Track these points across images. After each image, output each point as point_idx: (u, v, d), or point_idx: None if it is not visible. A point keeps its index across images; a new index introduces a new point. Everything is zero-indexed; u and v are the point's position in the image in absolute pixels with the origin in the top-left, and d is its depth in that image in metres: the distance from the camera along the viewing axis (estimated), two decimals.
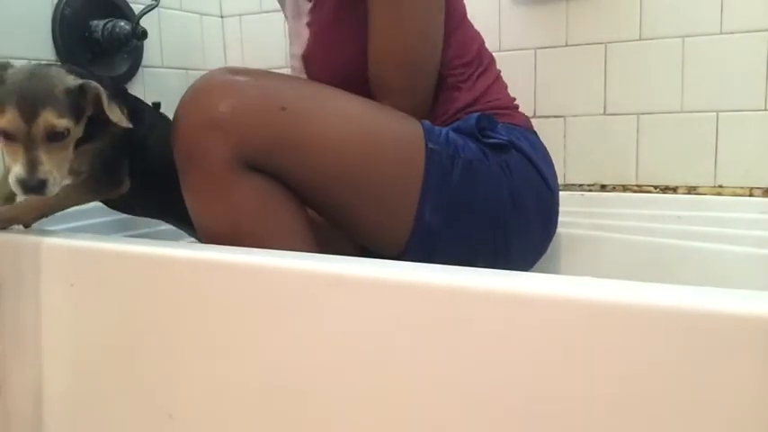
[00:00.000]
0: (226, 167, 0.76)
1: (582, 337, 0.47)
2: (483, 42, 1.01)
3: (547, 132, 1.27)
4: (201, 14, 1.57)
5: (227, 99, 0.77)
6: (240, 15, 1.60)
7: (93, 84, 0.79)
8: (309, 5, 0.95)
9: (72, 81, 0.79)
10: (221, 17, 1.62)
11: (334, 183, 0.81)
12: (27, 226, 0.85)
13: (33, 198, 0.83)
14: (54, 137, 0.76)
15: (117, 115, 0.80)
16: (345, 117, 0.82)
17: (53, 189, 0.76)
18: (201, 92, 0.78)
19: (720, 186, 1.16)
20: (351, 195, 0.82)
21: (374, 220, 0.84)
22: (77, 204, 0.89)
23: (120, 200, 0.95)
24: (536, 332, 0.49)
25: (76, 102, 0.78)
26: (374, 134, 0.83)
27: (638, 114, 1.21)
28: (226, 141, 0.75)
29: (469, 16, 1.00)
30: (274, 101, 0.79)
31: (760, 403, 0.43)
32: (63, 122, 0.76)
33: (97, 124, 0.83)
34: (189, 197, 0.80)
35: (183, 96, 0.80)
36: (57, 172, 0.76)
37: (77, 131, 0.80)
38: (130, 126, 0.81)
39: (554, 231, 1.00)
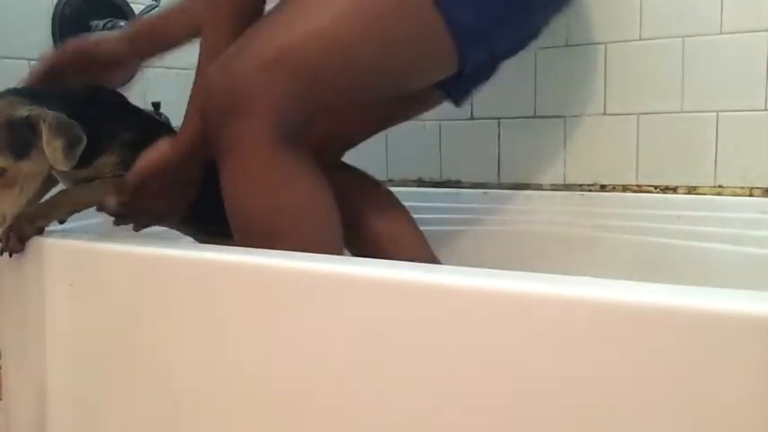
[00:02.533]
0: (264, 147, 0.77)
1: (582, 337, 0.47)
2: None
3: (547, 132, 1.27)
4: None
5: (235, 86, 0.77)
6: None
7: (36, 114, 0.74)
8: None
9: (19, 112, 0.74)
10: None
11: (367, 65, 0.81)
12: (62, 222, 0.84)
13: (63, 193, 0.83)
14: None
15: (52, 153, 0.74)
16: (334, 9, 0.80)
17: None
18: (213, 91, 0.79)
19: (720, 186, 1.16)
20: (385, 58, 0.82)
21: (417, 62, 0.85)
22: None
23: None
24: (536, 332, 0.49)
25: (21, 135, 0.74)
26: None
27: (638, 114, 1.21)
28: (257, 121, 0.76)
29: None
30: (275, 56, 0.78)
31: (760, 403, 0.43)
32: None
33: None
34: (227, 182, 0.80)
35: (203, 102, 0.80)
36: None
37: (28, 166, 0.75)
38: (64, 168, 0.76)
39: None
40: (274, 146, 0.77)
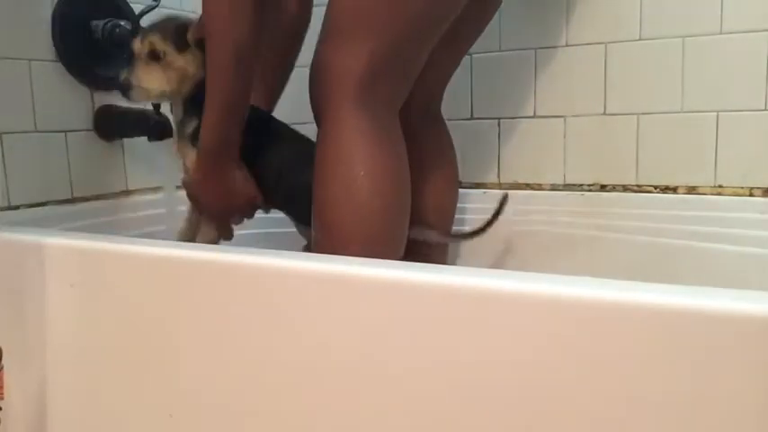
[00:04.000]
0: (349, 125, 0.80)
1: (581, 337, 0.47)
2: None
3: (547, 132, 1.27)
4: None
5: (321, 71, 0.83)
6: None
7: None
8: None
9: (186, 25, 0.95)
10: None
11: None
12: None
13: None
14: (152, 55, 0.94)
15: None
16: None
17: (133, 93, 0.94)
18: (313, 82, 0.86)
19: (720, 186, 1.16)
20: None
21: None
22: None
23: None
24: (536, 332, 0.49)
25: (185, 37, 0.93)
26: None
27: (638, 114, 1.21)
28: (348, 95, 0.80)
29: None
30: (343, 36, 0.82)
31: (760, 403, 0.43)
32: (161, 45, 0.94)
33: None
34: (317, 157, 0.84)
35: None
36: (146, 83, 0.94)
37: (180, 61, 0.93)
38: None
39: None
40: (359, 123, 0.80)
